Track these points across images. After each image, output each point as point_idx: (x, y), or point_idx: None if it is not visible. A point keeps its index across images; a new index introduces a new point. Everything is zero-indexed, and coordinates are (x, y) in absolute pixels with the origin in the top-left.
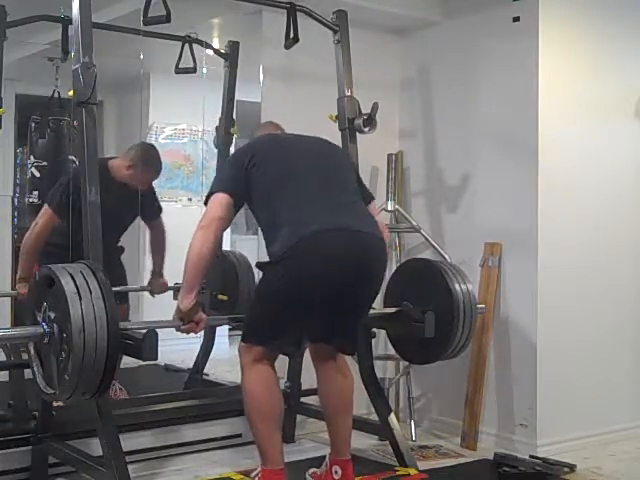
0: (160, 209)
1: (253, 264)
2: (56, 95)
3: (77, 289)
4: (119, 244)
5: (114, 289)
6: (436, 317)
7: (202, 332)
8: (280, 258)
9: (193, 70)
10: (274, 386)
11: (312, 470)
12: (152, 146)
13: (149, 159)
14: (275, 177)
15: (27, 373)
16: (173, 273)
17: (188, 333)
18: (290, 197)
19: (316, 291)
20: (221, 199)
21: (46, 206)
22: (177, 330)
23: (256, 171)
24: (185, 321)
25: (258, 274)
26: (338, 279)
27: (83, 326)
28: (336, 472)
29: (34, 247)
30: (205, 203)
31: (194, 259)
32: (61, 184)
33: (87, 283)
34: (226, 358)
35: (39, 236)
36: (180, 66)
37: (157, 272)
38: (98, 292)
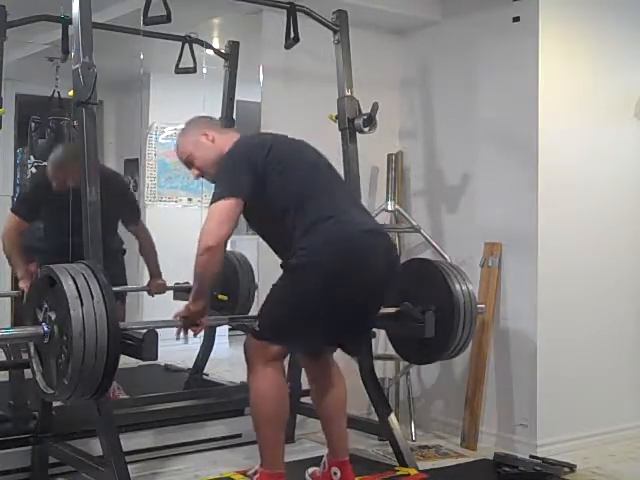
0: (139, 213)
1: (253, 264)
2: (56, 95)
3: (78, 290)
4: (123, 245)
5: (114, 289)
6: (436, 317)
7: (201, 332)
8: (325, 258)
9: (193, 70)
10: (284, 390)
11: (312, 469)
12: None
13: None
14: (298, 175)
15: (27, 373)
16: (173, 273)
17: (188, 333)
18: (318, 196)
19: (360, 290)
20: (232, 208)
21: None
22: (178, 333)
23: (274, 167)
24: (189, 321)
25: (259, 272)
26: (379, 279)
27: (83, 326)
28: (335, 473)
29: (11, 247)
30: (210, 204)
31: (203, 277)
32: (26, 188)
33: (88, 284)
34: (226, 358)
35: (7, 235)
36: (180, 66)
37: (154, 274)
38: (99, 293)
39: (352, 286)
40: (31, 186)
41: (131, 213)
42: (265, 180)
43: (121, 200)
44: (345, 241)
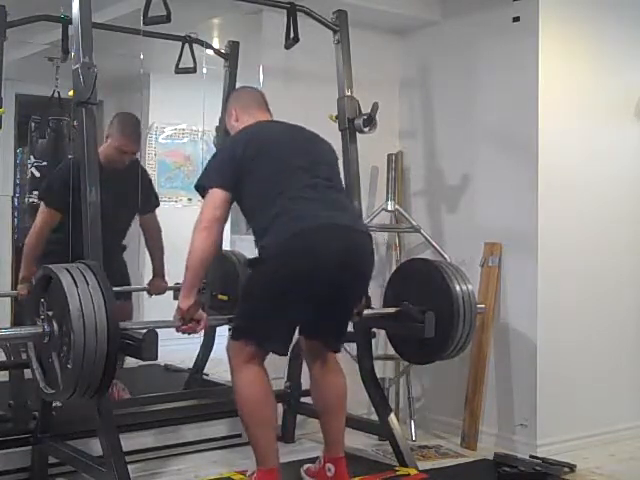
0: (157, 202)
1: None
2: (56, 95)
3: (77, 289)
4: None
5: (115, 289)
6: (436, 317)
7: (202, 332)
8: (274, 254)
9: (193, 70)
10: (267, 387)
11: (306, 466)
12: (129, 113)
13: (124, 124)
14: (269, 173)
15: (27, 373)
16: (173, 274)
17: (189, 334)
18: (283, 193)
19: (310, 287)
20: (219, 196)
21: (43, 204)
22: (177, 331)
23: (249, 165)
24: (186, 320)
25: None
26: (332, 275)
27: (83, 326)
28: (329, 469)
29: (34, 246)
30: (197, 189)
31: (196, 261)
32: (56, 180)
33: (86, 281)
34: (226, 358)
35: (39, 235)
36: (180, 66)
37: (158, 273)
38: (98, 292)
39: (305, 284)
40: (63, 172)
41: (150, 199)
42: (241, 177)
43: (142, 185)
44: (291, 240)
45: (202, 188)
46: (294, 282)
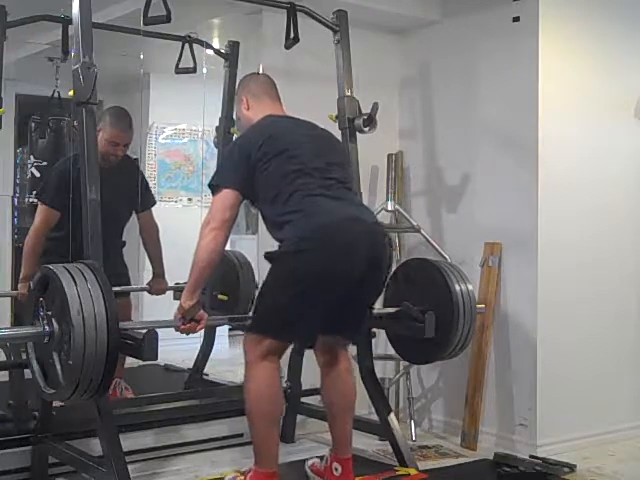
0: (153, 200)
1: (253, 263)
2: (56, 95)
3: (77, 290)
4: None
5: (115, 289)
6: (436, 317)
7: (202, 332)
8: (296, 249)
9: (193, 70)
10: (278, 386)
11: (312, 461)
12: (118, 106)
13: (114, 116)
14: (283, 172)
15: (27, 373)
16: (173, 274)
17: (188, 334)
18: (299, 191)
19: (333, 281)
20: (230, 197)
21: (41, 204)
22: (177, 330)
23: (263, 164)
24: (186, 319)
25: (259, 272)
26: (354, 268)
27: (83, 326)
28: (336, 469)
29: (33, 246)
30: (209, 186)
31: (203, 262)
32: (53, 179)
33: (86, 281)
34: (226, 358)
35: (37, 234)
36: (180, 66)
37: (158, 273)
38: (97, 290)
39: (332, 277)
40: (61, 172)
41: (147, 197)
42: (255, 174)
43: (137, 184)
44: (320, 232)
45: (215, 187)
46: (318, 276)
